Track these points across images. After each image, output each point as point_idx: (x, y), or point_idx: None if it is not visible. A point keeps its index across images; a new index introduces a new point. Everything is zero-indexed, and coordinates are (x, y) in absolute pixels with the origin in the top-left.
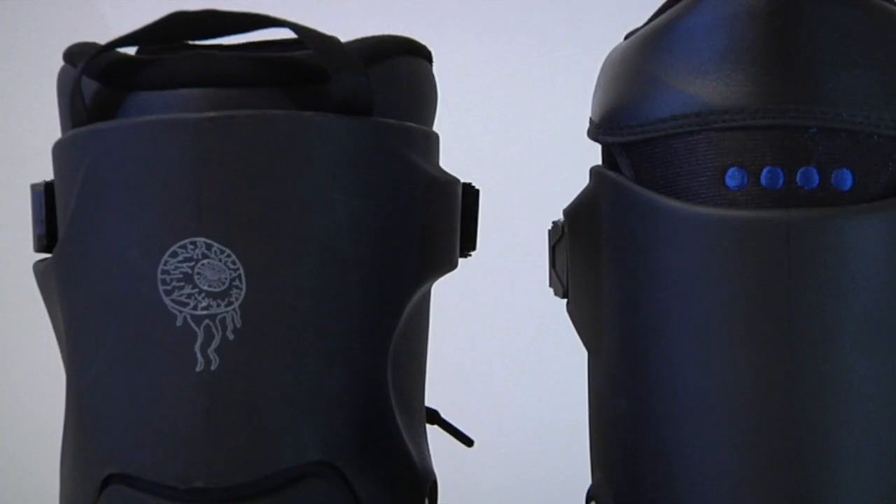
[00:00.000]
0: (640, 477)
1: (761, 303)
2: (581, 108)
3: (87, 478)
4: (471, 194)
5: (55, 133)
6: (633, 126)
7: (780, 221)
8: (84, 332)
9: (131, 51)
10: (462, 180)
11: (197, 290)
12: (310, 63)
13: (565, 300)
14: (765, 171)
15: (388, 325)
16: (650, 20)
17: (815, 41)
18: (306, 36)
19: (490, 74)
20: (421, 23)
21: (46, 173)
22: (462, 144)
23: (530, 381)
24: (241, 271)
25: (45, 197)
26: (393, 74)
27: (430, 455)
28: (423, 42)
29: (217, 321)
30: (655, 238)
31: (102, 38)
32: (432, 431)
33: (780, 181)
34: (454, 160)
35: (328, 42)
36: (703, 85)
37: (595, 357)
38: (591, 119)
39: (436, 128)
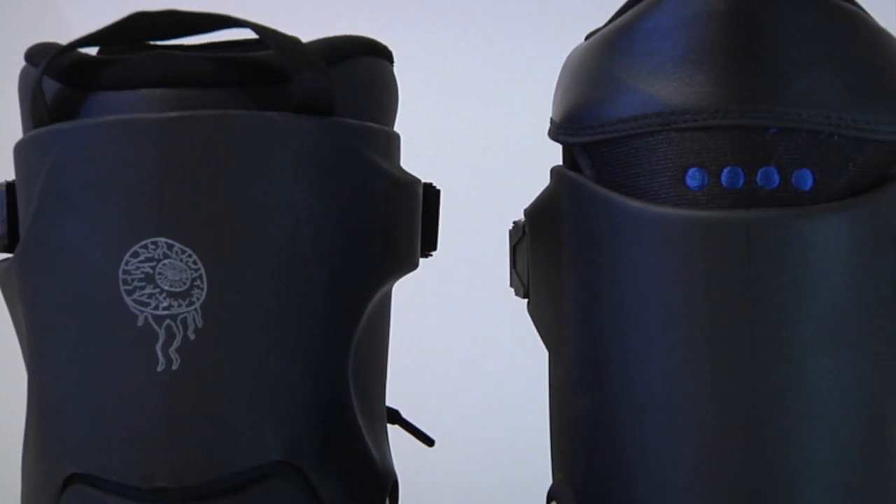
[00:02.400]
0: (601, 477)
1: (722, 303)
2: (542, 108)
3: (49, 478)
4: (432, 194)
5: (17, 133)
6: (593, 126)
7: (741, 222)
8: (45, 332)
9: (92, 51)
10: (423, 180)
11: (158, 290)
12: (271, 63)
13: (526, 300)
14: (725, 171)
15: (349, 325)
16: (611, 21)
17: (775, 42)
18: (267, 36)
19: (450, 75)
20: (381, 23)
21: (8, 173)
22: (423, 144)
23: (491, 380)
24: (203, 271)
25: (7, 197)
26: (354, 75)
27: (391, 455)
28: (384, 42)
29: (178, 321)
30: (616, 238)
31: (64, 39)
32: (393, 431)
33: (741, 181)
34: (415, 160)
35: (289, 42)
36: (664, 85)
37: (556, 357)
38: (551, 119)
39: (396, 128)
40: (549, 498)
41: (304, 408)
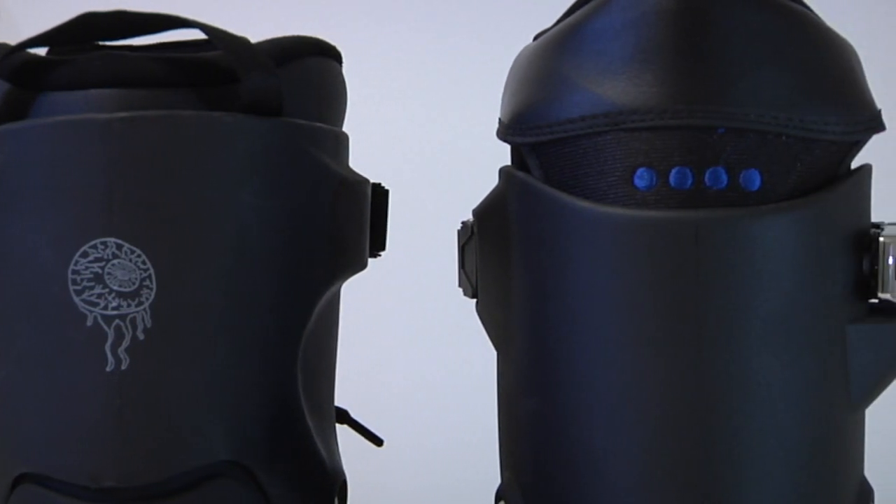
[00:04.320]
0: (549, 476)
1: (669, 303)
2: (490, 108)
3: None
4: (380, 194)
5: None
6: (542, 126)
7: (688, 222)
8: None
9: (42, 51)
10: (371, 180)
11: (107, 290)
12: (220, 64)
13: (475, 300)
14: (673, 171)
15: (297, 325)
16: (559, 21)
17: (723, 42)
18: (216, 37)
19: (399, 75)
20: (330, 23)
21: None
22: (371, 145)
23: (439, 380)
24: (152, 271)
25: None
26: (303, 75)
27: (339, 454)
28: (333, 43)
29: (127, 321)
30: (564, 238)
31: (13, 39)
32: (342, 431)
33: (689, 181)
34: (363, 160)
35: (238, 43)
36: (612, 85)
37: (504, 357)
38: (500, 119)
39: (345, 128)
40: (498, 497)
41: (252, 408)
